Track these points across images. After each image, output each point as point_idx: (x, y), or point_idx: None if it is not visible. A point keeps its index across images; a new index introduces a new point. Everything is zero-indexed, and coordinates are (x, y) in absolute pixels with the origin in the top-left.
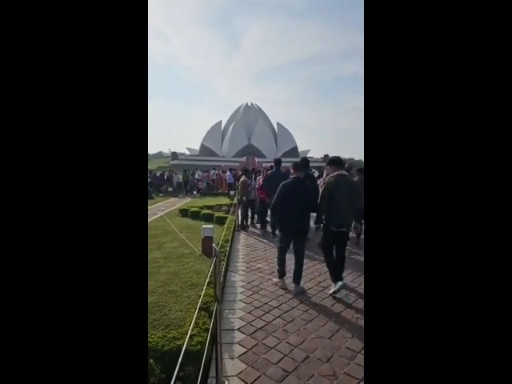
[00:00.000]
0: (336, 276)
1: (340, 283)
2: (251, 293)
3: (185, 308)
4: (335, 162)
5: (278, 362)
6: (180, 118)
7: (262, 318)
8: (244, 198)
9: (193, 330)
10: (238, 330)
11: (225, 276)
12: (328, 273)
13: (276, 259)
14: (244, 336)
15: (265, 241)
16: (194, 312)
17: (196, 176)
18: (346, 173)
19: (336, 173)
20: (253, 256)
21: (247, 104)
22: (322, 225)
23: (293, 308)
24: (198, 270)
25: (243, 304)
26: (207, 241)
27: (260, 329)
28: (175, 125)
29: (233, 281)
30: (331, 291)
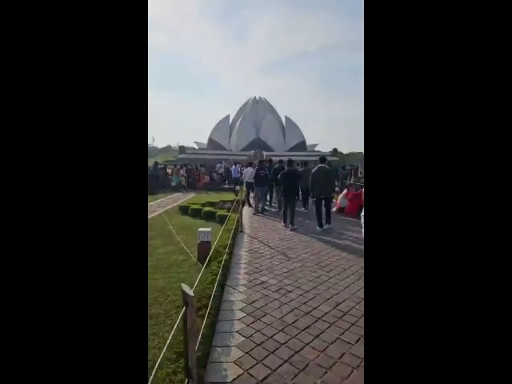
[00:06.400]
0: (327, 220)
1: (327, 225)
2: (252, 320)
3: (163, 345)
4: (320, 159)
5: None
6: (188, 111)
7: (264, 362)
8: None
9: None
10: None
11: (222, 291)
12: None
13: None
14: None
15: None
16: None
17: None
18: (324, 165)
19: (318, 165)
20: (257, 265)
21: (255, 98)
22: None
23: (305, 346)
24: (191, 284)
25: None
26: (204, 246)
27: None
28: (183, 118)
29: (231, 300)
30: (325, 227)
